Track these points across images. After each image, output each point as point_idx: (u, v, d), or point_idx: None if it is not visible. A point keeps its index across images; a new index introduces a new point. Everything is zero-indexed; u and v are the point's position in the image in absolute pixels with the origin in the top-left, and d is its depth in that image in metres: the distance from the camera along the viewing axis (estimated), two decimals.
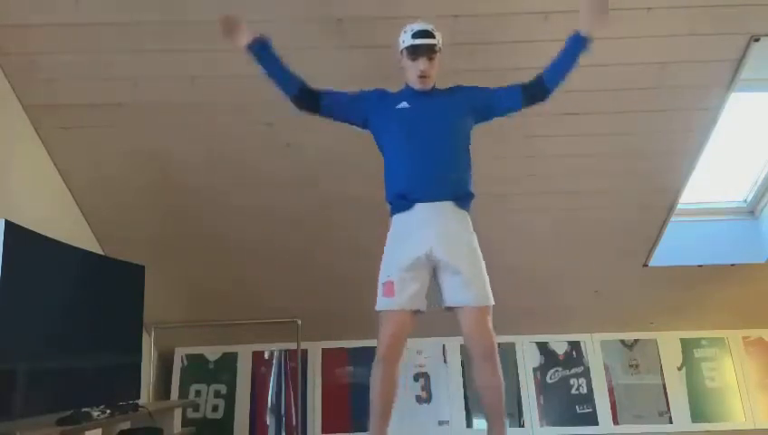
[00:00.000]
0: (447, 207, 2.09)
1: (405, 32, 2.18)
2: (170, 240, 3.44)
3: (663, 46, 2.73)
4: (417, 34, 2.14)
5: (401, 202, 2.11)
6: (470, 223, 2.14)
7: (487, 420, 2.10)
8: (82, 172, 3.10)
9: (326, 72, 2.76)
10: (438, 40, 2.18)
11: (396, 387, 2.12)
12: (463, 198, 2.13)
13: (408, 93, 2.22)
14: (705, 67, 2.80)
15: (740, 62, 2.76)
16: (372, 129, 2.25)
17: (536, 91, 2.17)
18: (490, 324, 2.05)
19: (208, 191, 3.23)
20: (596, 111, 2.95)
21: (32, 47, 2.62)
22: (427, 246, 2.04)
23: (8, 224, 2.19)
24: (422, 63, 2.13)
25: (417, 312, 2.07)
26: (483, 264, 2.09)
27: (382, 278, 2.09)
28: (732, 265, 3.69)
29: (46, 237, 2.44)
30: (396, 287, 2.03)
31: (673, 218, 3.45)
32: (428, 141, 2.11)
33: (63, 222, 3.08)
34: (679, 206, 3.41)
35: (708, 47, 2.72)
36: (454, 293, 2.05)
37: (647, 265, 3.69)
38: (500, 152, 3.00)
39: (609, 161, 3.17)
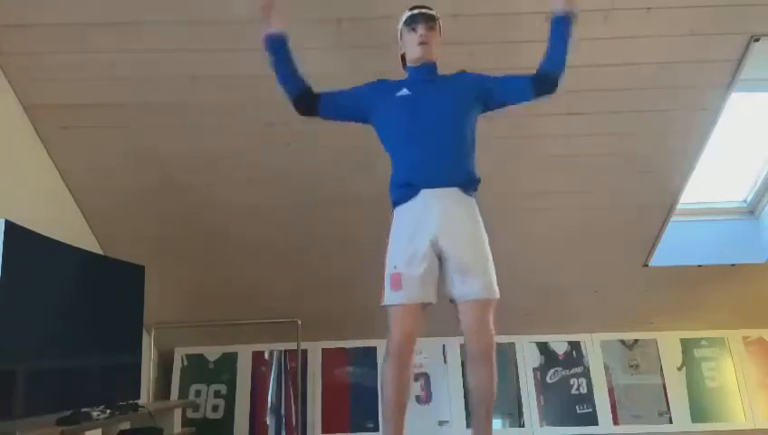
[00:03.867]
0: (453, 193, 2.01)
1: (403, 14, 2.19)
2: (170, 240, 3.44)
3: (663, 46, 2.73)
4: (413, 8, 2.16)
5: (406, 191, 2.03)
6: (477, 210, 2.06)
7: (473, 419, 2.03)
8: (82, 172, 3.10)
9: (326, 72, 2.76)
10: (437, 14, 2.17)
11: (409, 386, 2.01)
12: (468, 184, 2.05)
13: (411, 79, 2.17)
14: (705, 67, 2.80)
15: (740, 62, 2.76)
16: (374, 121, 2.20)
17: (544, 82, 2.13)
18: (491, 321, 1.95)
19: (208, 191, 3.23)
20: (596, 110, 2.95)
21: (32, 47, 2.62)
22: (431, 233, 1.96)
23: (8, 224, 2.19)
24: (421, 29, 2.12)
25: (427, 305, 1.97)
26: (489, 254, 2.01)
27: (389, 270, 1.98)
28: (732, 265, 3.69)
29: (46, 237, 2.45)
30: (404, 279, 1.93)
31: (673, 218, 3.45)
32: (431, 127, 2.05)
33: (63, 222, 3.08)
34: (679, 206, 3.41)
35: (708, 47, 2.72)
36: (457, 283, 1.96)
37: (647, 265, 3.69)
38: (500, 152, 3.00)
39: (609, 161, 3.17)
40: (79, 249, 2.71)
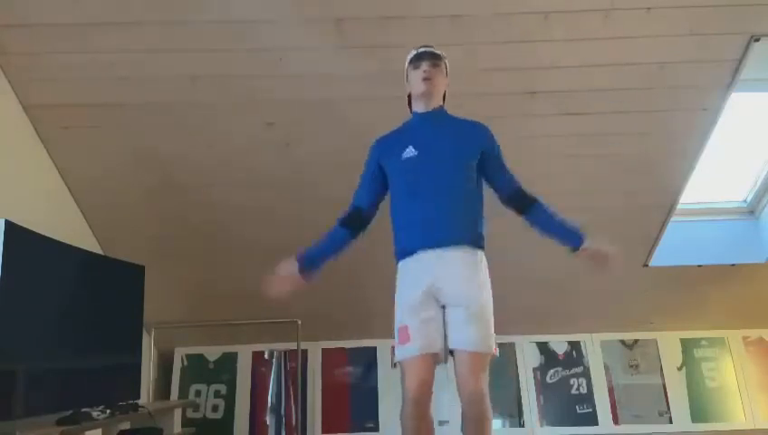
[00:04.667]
0: (458, 248, 1.98)
1: (409, 53, 2.16)
2: (170, 240, 3.44)
3: (663, 46, 2.73)
4: (419, 48, 2.12)
5: (408, 252, 2.02)
6: (483, 263, 2.02)
7: None
8: (82, 172, 3.10)
9: (326, 72, 2.77)
10: (443, 56, 2.13)
11: (432, 429, 1.96)
12: (474, 241, 2.02)
13: (416, 127, 2.12)
14: (705, 67, 2.80)
15: (740, 62, 2.76)
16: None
17: (521, 206, 2.13)
18: (484, 374, 1.91)
19: (208, 191, 3.23)
20: (596, 111, 2.95)
21: (32, 47, 2.62)
22: (430, 278, 1.94)
23: (8, 224, 2.19)
24: (425, 65, 2.07)
25: (437, 354, 1.96)
26: (490, 307, 1.97)
27: (396, 325, 1.98)
28: (732, 265, 3.69)
29: (46, 237, 2.44)
30: (411, 332, 1.92)
31: (673, 218, 3.45)
32: (437, 191, 2.00)
33: (63, 222, 3.08)
34: (679, 206, 3.41)
35: (708, 47, 2.72)
36: (455, 333, 1.92)
37: (647, 265, 3.69)
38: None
39: (610, 161, 3.17)
40: (79, 249, 2.71)
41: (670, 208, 3.39)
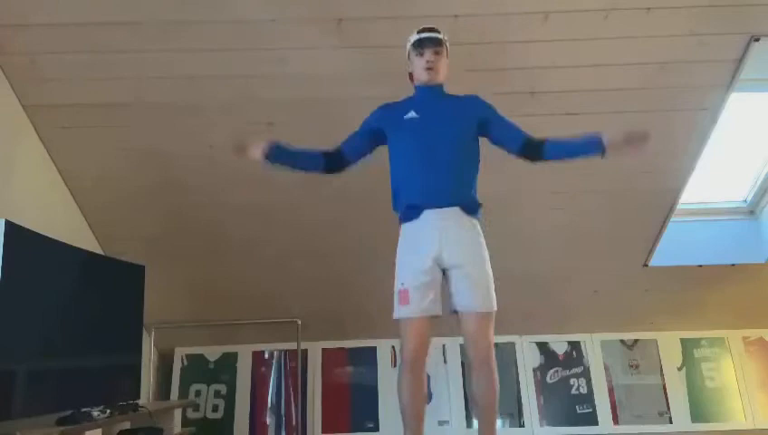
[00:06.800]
0: (455, 212, 2.11)
1: (411, 34, 2.24)
2: (170, 240, 3.44)
3: (663, 46, 2.73)
4: (421, 30, 2.22)
5: (410, 211, 2.14)
6: (479, 230, 2.15)
7: (479, 424, 2.14)
8: (82, 172, 3.10)
9: (326, 72, 2.77)
10: (445, 39, 2.23)
11: (425, 392, 2.14)
12: (470, 206, 2.15)
13: (418, 99, 2.25)
14: (705, 67, 2.80)
15: (740, 62, 2.76)
16: (387, 142, 2.28)
17: (534, 152, 2.22)
18: (491, 331, 2.08)
19: (208, 191, 3.23)
20: (596, 111, 2.94)
21: (32, 47, 2.62)
22: (435, 249, 2.07)
23: (8, 224, 2.19)
24: (428, 54, 2.19)
25: (434, 317, 2.09)
26: (489, 270, 2.11)
27: (397, 287, 2.11)
28: (732, 265, 3.69)
29: (46, 237, 2.45)
30: (411, 295, 2.06)
31: (673, 218, 3.45)
32: (436, 150, 2.14)
33: (63, 222, 3.08)
34: (679, 206, 3.41)
35: (708, 47, 2.72)
36: (459, 296, 2.07)
37: (647, 265, 3.69)
38: (499, 152, 3.00)
39: (610, 161, 3.15)
40: (79, 249, 2.71)
41: (670, 208, 3.39)
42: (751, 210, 3.81)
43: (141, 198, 3.22)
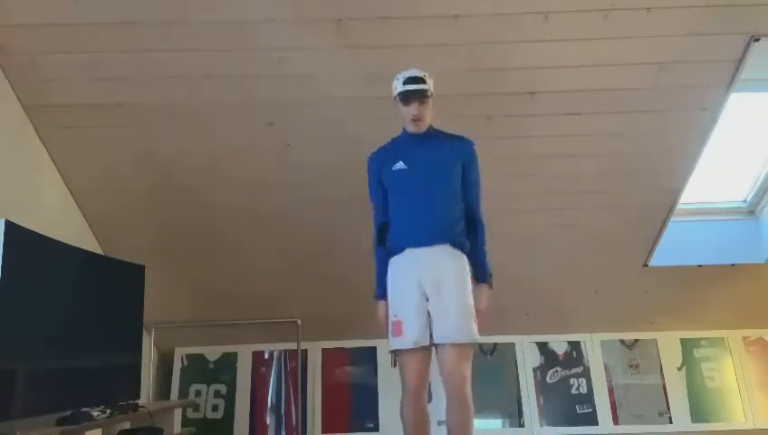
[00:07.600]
0: (444, 247, 2.16)
1: (397, 79, 2.24)
2: (170, 240, 3.44)
3: (663, 46, 2.73)
4: (407, 81, 2.21)
5: (398, 250, 2.21)
6: (466, 263, 2.18)
7: None
8: (83, 172, 3.10)
9: (326, 72, 2.77)
10: (429, 85, 2.22)
11: (428, 416, 2.16)
12: (458, 241, 2.19)
13: (406, 145, 2.28)
14: (705, 67, 2.80)
15: (740, 62, 2.76)
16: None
17: (467, 226, 2.26)
18: (466, 363, 2.07)
19: (208, 191, 3.23)
20: (596, 111, 2.95)
21: (32, 47, 2.62)
22: (417, 275, 2.12)
23: (8, 224, 2.19)
24: (414, 108, 2.20)
25: (431, 345, 2.10)
26: (471, 302, 2.12)
27: (391, 318, 2.16)
28: (732, 265, 3.69)
29: (46, 237, 2.44)
30: (403, 326, 2.09)
31: (673, 218, 3.45)
32: (426, 199, 2.19)
33: (64, 222, 3.08)
34: (679, 206, 3.41)
35: (708, 47, 2.72)
36: (436, 326, 2.08)
37: (647, 265, 3.69)
38: (500, 153, 3.00)
39: (610, 161, 3.18)
40: (79, 249, 2.71)
41: (670, 208, 3.39)
42: (751, 210, 3.81)
43: (141, 197, 3.22)
